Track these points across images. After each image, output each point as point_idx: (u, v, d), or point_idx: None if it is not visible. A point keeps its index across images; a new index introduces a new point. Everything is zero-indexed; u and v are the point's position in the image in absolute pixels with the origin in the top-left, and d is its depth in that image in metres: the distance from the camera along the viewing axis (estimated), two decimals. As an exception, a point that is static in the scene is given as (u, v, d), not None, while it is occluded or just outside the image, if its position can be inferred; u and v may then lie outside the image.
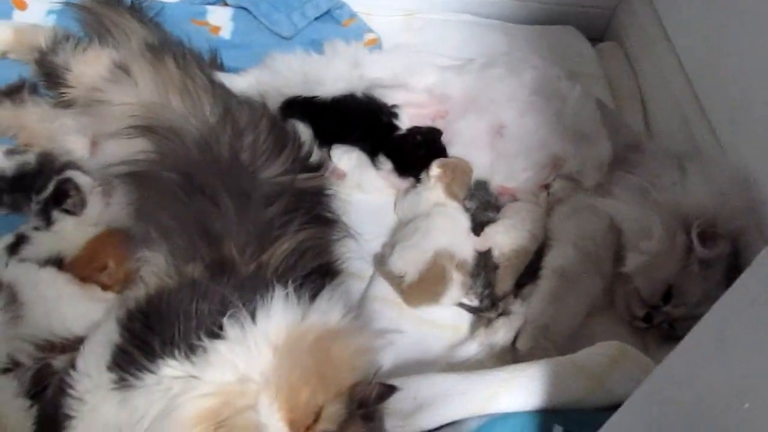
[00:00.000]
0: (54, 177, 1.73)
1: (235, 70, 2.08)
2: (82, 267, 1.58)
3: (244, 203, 1.47)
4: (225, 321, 1.30)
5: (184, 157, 1.56)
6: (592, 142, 1.86)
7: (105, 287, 1.55)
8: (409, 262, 1.71)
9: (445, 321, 1.75)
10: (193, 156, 1.55)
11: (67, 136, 1.85)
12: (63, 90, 1.84)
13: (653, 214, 1.68)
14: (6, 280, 1.45)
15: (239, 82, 1.96)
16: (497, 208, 1.89)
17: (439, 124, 1.99)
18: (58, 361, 1.44)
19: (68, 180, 1.69)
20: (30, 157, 1.77)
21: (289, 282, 1.36)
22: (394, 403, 1.37)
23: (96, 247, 1.61)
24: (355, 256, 1.71)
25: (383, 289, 1.74)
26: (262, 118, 1.66)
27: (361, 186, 1.93)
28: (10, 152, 1.79)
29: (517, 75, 2.00)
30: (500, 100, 1.98)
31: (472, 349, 1.68)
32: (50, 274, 1.52)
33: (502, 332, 1.65)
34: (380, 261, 1.78)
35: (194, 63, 1.80)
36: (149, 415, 1.29)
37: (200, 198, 1.48)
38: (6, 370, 1.39)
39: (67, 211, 1.68)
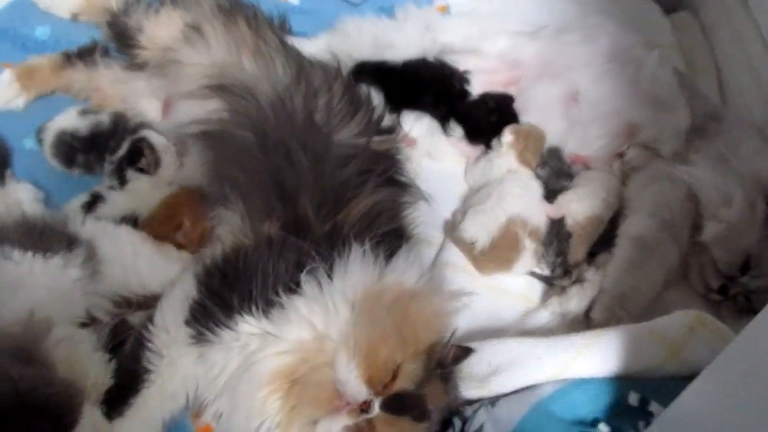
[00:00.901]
0: (128, 137, 1.72)
1: (302, 35, 2.05)
2: (157, 226, 1.59)
3: (319, 163, 1.46)
4: (302, 278, 1.28)
5: (259, 116, 1.55)
6: (670, 109, 1.81)
7: (180, 247, 1.54)
8: (481, 228, 1.68)
9: (516, 289, 1.72)
10: (267, 115, 1.55)
11: (139, 97, 1.85)
12: (135, 52, 1.84)
13: (733, 182, 1.62)
14: (84, 236, 1.44)
15: (309, 47, 1.94)
16: (570, 176, 1.85)
17: (510, 91, 1.96)
18: (134, 317, 1.45)
19: (143, 139, 1.70)
20: (104, 118, 1.79)
21: (365, 242, 1.34)
22: (468, 366, 1.37)
23: (171, 206, 1.61)
24: (426, 222, 1.67)
25: (454, 255, 1.72)
26: (336, 80, 1.65)
27: (431, 153, 1.91)
28: (84, 112, 1.80)
29: (592, 41, 1.95)
30: (575, 66, 1.93)
31: (544, 317, 1.65)
32: (127, 231, 1.53)
33: (575, 300, 1.62)
34: (451, 227, 1.76)
35: (266, 24, 1.79)
36: (226, 371, 1.30)
37: (275, 156, 1.47)
38: (84, 325, 1.39)
39: (142, 171, 1.68)
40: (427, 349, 1.27)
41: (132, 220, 1.62)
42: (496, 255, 1.68)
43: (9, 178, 1.73)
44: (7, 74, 1.90)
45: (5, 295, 1.23)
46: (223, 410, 1.32)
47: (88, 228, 1.48)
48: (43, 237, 1.38)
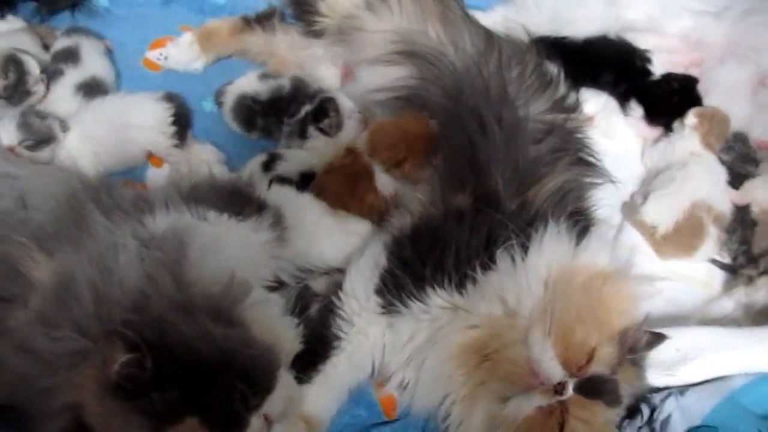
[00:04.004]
0: (307, 102, 1.74)
1: (475, 7, 2.01)
2: (379, 150, 1.57)
3: (512, 136, 1.43)
4: (497, 253, 1.25)
5: (451, 84, 1.53)
6: None
7: (367, 211, 1.53)
8: (664, 212, 1.63)
9: (698, 275, 1.66)
10: (460, 83, 1.52)
11: (316, 63, 1.86)
12: (314, 19, 1.84)
13: None
14: (271, 202, 1.45)
15: (484, 19, 1.90)
16: (756, 162, 1.76)
17: (692, 72, 1.89)
18: (317, 283, 1.46)
19: (331, 100, 1.71)
20: (284, 82, 1.80)
21: (558, 220, 1.30)
22: (656, 352, 1.32)
23: (399, 132, 1.58)
24: (604, 203, 1.61)
25: (632, 237, 1.66)
26: (527, 53, 1.61)
27: (607, 132, 1.85)
28: (264, 77, 1.82)
29: (783, 23, 1.84)
30: (763, 49, 1.82)
31: (728, 306, 1.59)
32: (309, 201, 1.52)
33: (764, 292, 1.54)
34: (631, 210, 1.70)
35: (448, -5, 1.75)
36: (413, 342, 1.30)
37: (468, 127, 1.44)
38: (271, 289, 1.39)
39: (322, 131, 1.68)
40: (620, 333, 1.23)
41: (309, 175, 1.62)
42: (678, 240, 1.63)
43: (190, 138, 1.75)
44: (188, 36, 1.94)
45: (202, 256, 1.23)
46: (408, 380, 1.32)
47: (274, 193, 1.48)
48: (233, 199, 1.39)
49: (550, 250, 1.28)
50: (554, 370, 1.16)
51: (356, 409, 1.39)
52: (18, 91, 1.74)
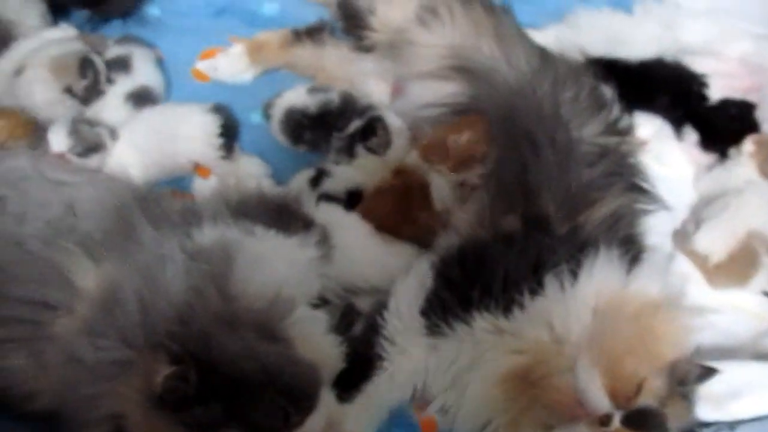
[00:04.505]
0: (356, 117, 1.72)
1: (527, 26, 1.99)
2: (435, 141, 1.56)
3: (564, 159, 1.41)
4: (546, 278, 1.23)
5: (504, 102, 1.51)
6: None
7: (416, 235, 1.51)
8: (717, 241, 1.59)
9: (751, 307, 1.61)
10: (513, 102, 1.50)
11: (366, 78, 1.85)
12: (365, 34, 1.82)
13: None
14: (318, 219, 1.45)
15: (537, 38, 1.87)
16: (815, 193, 1.69)
17: (750, 98, 1.83)
18: (361, 302, 1.45)
19: (379, 119, 1.69)
20: (333, 96, 1.79)
21: (608, 246, 1.27)
22: (706, 386, 1.28)
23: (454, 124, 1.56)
24: (656, 230, 1.58)
25: (683, 266, 1.61)
26: (582, 74, 1.58)
27: (659, 157, 1.81)
28: (313, 90, 1.81)
29: None
30: (827, 76, 1.77)
31: (783, 341, 1.53)
32: (355, 222, 1.51)
33: (821, 328, 1.49)
34: (682, 237, 1.66)
35: (501, 9, 1.73)
36: (456, 364, 1.28)
37: (521, 147, 1.42)
38: (315, 306, 1.38)
39: (371, 149, 1.67)
40: (670, 365, 1.20)
41: (357, 194, 1.61)
42: (731, 270, 1.58)
43: (237, 151, 1.75)
44: (238, 48, 1.94)
45: (248, 270, 1.22)
46: (450, 404, 1.30)
47: (321, 211, 1.48)
48: (281, 215, 1.38)
49: (601, 277, 1.25)
50: (601, 401, 1.14)
51: (395, 430, 1.37)
52: (94, 91, 1.77)
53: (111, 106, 1.78)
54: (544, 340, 1.23)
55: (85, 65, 1.76)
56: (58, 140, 1.58)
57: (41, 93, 1.72)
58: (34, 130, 1.63)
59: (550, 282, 1.24)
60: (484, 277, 1.28)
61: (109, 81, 1.81)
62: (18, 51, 1.80)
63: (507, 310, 1.25)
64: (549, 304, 1.23)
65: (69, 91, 1.75)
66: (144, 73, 1.85)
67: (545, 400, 1.18)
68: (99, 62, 1.80)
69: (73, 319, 1.20)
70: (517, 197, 1.37)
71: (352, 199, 1.60)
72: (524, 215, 1.36)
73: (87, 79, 1.76)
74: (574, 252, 1.28)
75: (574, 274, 1.24)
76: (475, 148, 1.48)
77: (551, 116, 1.47)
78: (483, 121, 1.51)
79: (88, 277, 1.24)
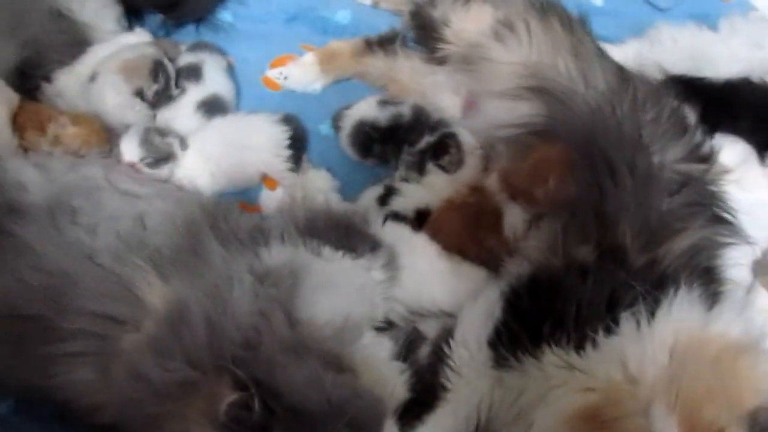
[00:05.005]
0: (427, 132, 1.71)
1: (605, 40, 1.93)
2: (520, 176, 1.50)
3: (645, 186, 1.35)
4: (621, 315, 1.18)
5: (581, 125, 1.45)
6: None
7: (484, 258, 1.48)
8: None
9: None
10: (589, 124, 1.44)
11: (438, 92, 1.82)
12: (438, 45, 1.79)
13: None
14: (386, 240, 1.43)
15: (615, 53, 1.81)
16: None
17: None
18: (426, 326, 1.41)
19: (453, 136, 1.66)
20: (404, 110, 1.76)
21: (689, 283, 1.22)
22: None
23: (541, 161, 1.50)
24: (735, 261, 1.51)
25: (765, 300, 1.54)
26: (663, 94, 1.52)
27: (741, 182, 1.73)
28: (384, 103, 1.79)
29: None
30: None
31: None
32: (424, 243, 1.48)
33: None
34: (764, 270, 1.58)
35: (579, 25, 1.68)
36: (523, 399, 1.23)
37: (598, 173, 1.36)
38: (379, 329, 1.37)
39: (442, 167, 1.64)
40: (751, 413, 1.13)
41: (424, 213, 1.59)
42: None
43: (305, 163, 1.74)
44: (309, 56, 1.93)
45: (316, 295, 1.21)
46: (515, 439, 1.24)
47: (388, 231, 1.45)
48: (349, 235, 1.37)
49: (679, 316, 1.19)
50: (677, 450, 1.06)
51: (456, 462, 1.31)
52: (164, 96, 1.78)
53: (182, 115, 1.78)
54: (617, 379, 1.17)
55: (156, 69, 1.77)
56: (131, 149, 1.59)
57: (112, 97, 1.73)
58: (108, 138, 1.62)
59: (625, 320, 1.18)
60: (556, 310, 1.23)
61: (180, 89, 1.80)
62: (93, 56, 1.81)
63: (579, 347, 1.20)
64: (624, 343, 1.18)
65: (140, 94, 1.75)
66: (215, 81, 1.84)
67: (616, 444, 1.11)
68: (170, 67, 1.81)
69: (140, 336, 1.20)
70: (593, 226, 1.32)
71: (420, 219, 1.58)
72: (599, 245, 1.30)
73: (158, 83, 1.77)
74: (652, 287, 1.21)
75: (652, 312, 1.19)
76: (562, 193, 1.42)
77: (631, 140, 1.41)
78: (565, 156, 1.44)
79: (156, 294, 1.24)
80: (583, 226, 1.33)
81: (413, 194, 1.62)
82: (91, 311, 1.22)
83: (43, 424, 1.33)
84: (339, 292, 1.26)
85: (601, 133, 1.44)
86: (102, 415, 1.21)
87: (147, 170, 1.60)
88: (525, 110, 1.54)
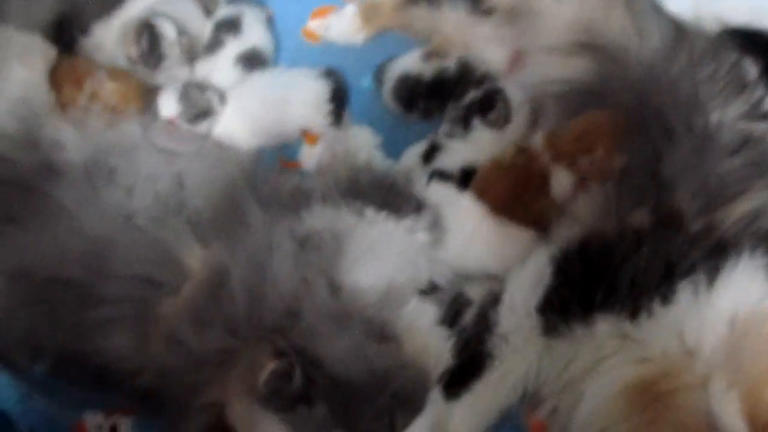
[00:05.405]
0: (473, 87, 1.65)
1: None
2: (564, 144, 1.43)
3: (702, 146, 1.28)
4: (678, 283, 1.13)
5: (635, 83, 1.38)
6: None
7: (536, 222, 1.42)
8: None
9: None
10: (644, 82, 1.37)
11: (484, 45, 1.73)
12: (484, -4, 1.70)
13: None
14: (430, 200, 1.38)
15: (671, 5, 1.71)
16: None
17: None
18: (471, 289, 1.38)
19: (499, 92, 1.59)
20: (449, 64, 1.70)
21: (750, 250, 1.16)
22: None
23: (587, 127, 1.43)
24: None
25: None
26: (721, 48, 1.43)
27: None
28: (429, 56, 1.73)
29: None
30: None
31: None
32: (470, 204, 1.42)
33: None
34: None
35: (633, -22, 1.59)
36: (573, 368, 1.21)
37: (653, 133, 1.30)
38: (424, 292, 1.33)
39: (488, 124, 1.59)
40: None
41: (470, 172, 1.52)
42: None
43: (347, 118, 1.69)
44: (351, 8, 1.87)
45: (359, 260, 1.18)
46: (563, 407, 1.23)
47: (433, 191, 1.41)
48: (392, 195, 1.32)
49: (740, 286, 1.14)
50: (737, 429, 1.03)
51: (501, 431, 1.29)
52: (153, 56, 1.70)
53: (220, 69, 1.73)
54: (673, 351, 1.13)
55: (140, 32, 1.69)
56: (169, 105, 1.56)
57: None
58: (146, 94, 1.59)
59: (683, 289, 1.13)
60: (609, 276, 1.18)
61: (220, 43, 1.76)
62: (130, 7, 1.75)
63: (633, 315, 1.15)
64: (681, 313, 1.13)
65: (130, 59, 1.69)
66: (254, 34, 1.79)
67: (672, 419, 1.09)
68: (163, 26, 1.71)
69: (178, 300, 1.19)
70: (648, 189, 1.26)
71: (465, 178, 1.52)
72: (655, 210, 1.25)
73: (140, 46, 1.69)
74: (709, 254, 1.16)
75: (711, 281, 1.13)
76: (610, 162, 1.36)
77: (688, 98, 1.34)
78: (613, 120, 1.39)
79: (195, 258, 1.22)
80: (637, 190, 1.28)
81: (459, 151, 1.57)
82: (129, 275, 1.20)
83: (80, 386, 1.30)
84: (383, 257, 1.22)
85: (655, 92, 1.37)
86: (140, 379, 1.19)
87: (185, 126, 1.56)
88: (575, 67, 1.47)
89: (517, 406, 1.30)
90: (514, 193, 1.42)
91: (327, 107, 1.69)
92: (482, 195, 1.43)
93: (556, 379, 1.23)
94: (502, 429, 1.30)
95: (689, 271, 1.16)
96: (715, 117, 1.34)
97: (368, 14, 1.86)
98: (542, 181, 1.41)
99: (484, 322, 1.27)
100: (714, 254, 1.18)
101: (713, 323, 1.12)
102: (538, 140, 1.45)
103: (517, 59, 1.66)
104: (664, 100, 1.35)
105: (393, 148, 1.69)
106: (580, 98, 1.45)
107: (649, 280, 1.17)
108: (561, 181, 1.40)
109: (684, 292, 1.14)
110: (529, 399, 1.28)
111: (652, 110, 1.34)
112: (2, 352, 1.30)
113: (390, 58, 1.78)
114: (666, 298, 1.15)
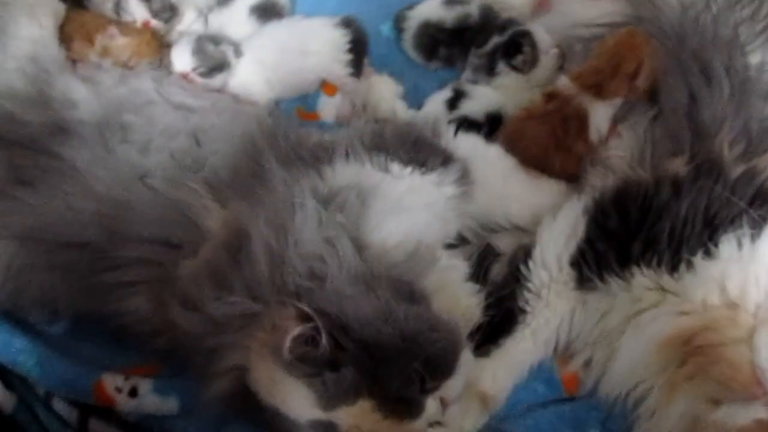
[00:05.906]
0: (496, 33, 1.59)
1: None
2: (591, 72, 1.38)
3: (742, 89, 1.23)
4: (720, 235, 1.09)
5: (671, 24, 1.33)
6: None
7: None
8: None
9: None
10: (681, 23, 1.33)
11: (507, -13, 1.66)
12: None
13: None
14: (458, 153, 1.32)
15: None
16: None
17: None
18: (500, 241, 1.34)
19: (526, 34, 1.53)
20: (472, 10, 1.64)
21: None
22: None
23: (618, 53, 1.37)
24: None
25: None
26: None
27: None
28: (450, 2, 1.66)
29: None
30: None
31: None
32: (499, 155, 1.37)
33: None
34: None
35: None
36: (607, 321, 1.18)
37: (692, 77, 1.25)
38: (452, 246, 1.29)
39: (514, 67, 1.52)
40: None
41: (497, 118, 1.49)
42: None
43: (367, 67, 1.63)
44: (369, -48, 1.77)
45: (385, 218, 1.13)
46: (596, 360, 1.20)
47: (460, 142, 1.34)
48: (418, 149, 1.27)
49: (787, 236, 1.06)
50: (785, 381, 0.98)
51: (533, 384, 1.26)
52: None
53: (235, 21, 1.67)
54: (714, 304, 1.09)
55: None
56: (183, 59, 1.51)
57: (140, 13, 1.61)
58: (159, 49, 1.54)
59: (725, 240, 1.08)
60: (646, 228, 1.14)
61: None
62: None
63: (672, 268, 1.11)
64: (723, 265, 1.08)
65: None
66: (269, -17, 1.69)
67: (714, 373, 1.06)
68: None
69: (196, 262, 1.14)
70: (686, 135, 1.21)
71: (492, 123, 1.48)
72: (693, 157, 1.19)
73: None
74: (752, 203, 1.11)
75: (755, 233, 1.09)
76: (645, 77, 1.32)
77: (726, 39, 1.29)
78: (643, 37, 1.33)
79: (213, 219, 1.18)
80: (674, 136, 1.23)
81: (484, 97, 1.52)
82: (145, 237, 1.17)
83: (98, 344, 1.27)
84: (410, 213, 1.17)
85: (693, 33, 1.31)
86: (158, 341, 1.16)
87: (200, 80, 1.50)
88: (607, 8, 1.43)
89: (550, 359, 1.26)
90: (554, 140, 1.37)
91: (346, 57, 1.63)
92: (514, 146, 1.38)
93: (590, 332, 1.20)
94: (536, 381, 1.26)
95: (731, 222, 1.11)
96: (755, 58, 1.29)
97: (386, -43, 1.77)
98: (580, 123, 1.36)
99: (515, 277, 1.24)
100: (756, 203, 1.13)
101: (757, 276, 1.08)
102: (564, 82, 1.37)
103: (543, 2, 1.58)
104: (702, 42, 1.30)
105: (415, 97, 1.64)
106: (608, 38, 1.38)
107: (689, 231, 1.12)
108: (601, 115, 1.35)
109: (726, 243, 1.10)
110: (562, 352, 1.25)
111: (690, 52, 1.29)
112: (20, 312, 1.26)
113: (410, 5, 1.72)
114: (708, 250, 1.09)
